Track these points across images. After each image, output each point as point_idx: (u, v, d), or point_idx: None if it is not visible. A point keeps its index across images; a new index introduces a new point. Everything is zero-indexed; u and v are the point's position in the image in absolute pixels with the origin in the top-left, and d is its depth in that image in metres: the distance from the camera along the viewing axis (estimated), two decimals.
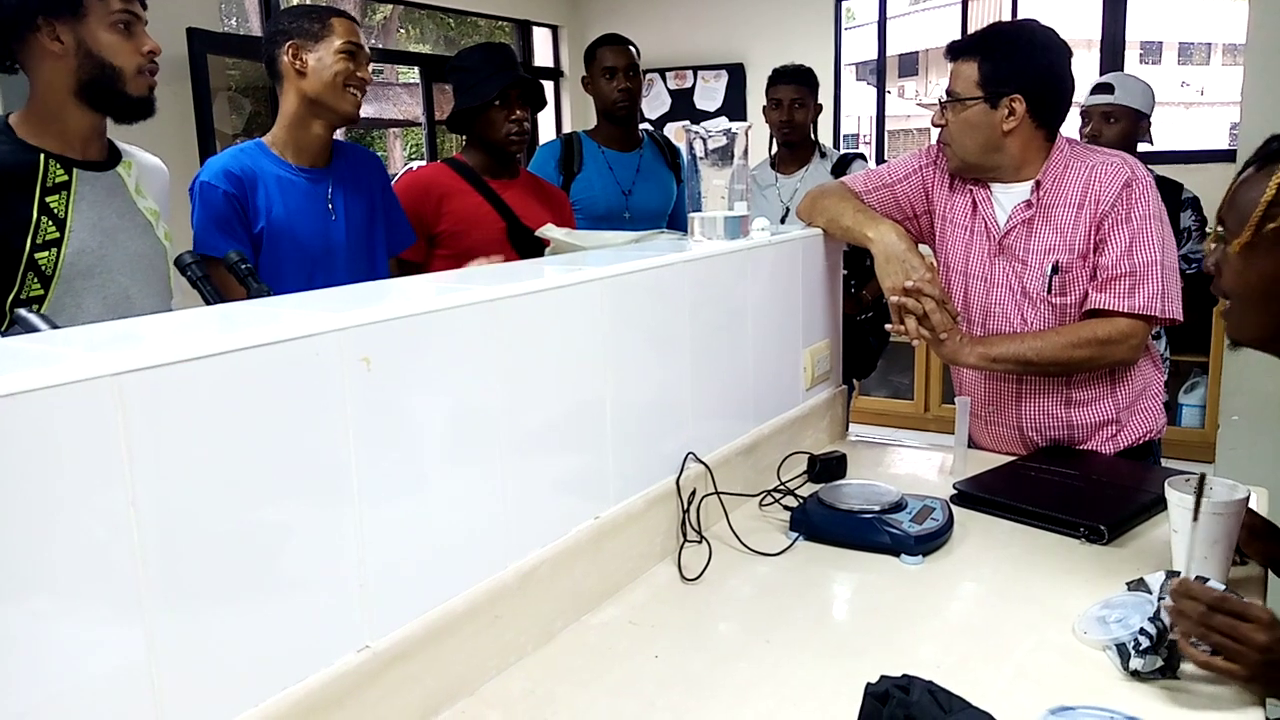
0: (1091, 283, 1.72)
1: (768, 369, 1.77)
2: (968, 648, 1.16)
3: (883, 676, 0.93)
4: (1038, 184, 1.76)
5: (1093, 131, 2.86)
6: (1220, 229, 1.13)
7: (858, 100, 8.84)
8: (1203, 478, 1.16)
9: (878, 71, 5.60)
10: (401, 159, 12.92)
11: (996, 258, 1.81)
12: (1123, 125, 2.83)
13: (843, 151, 3.36)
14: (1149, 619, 1.07)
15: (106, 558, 0.73)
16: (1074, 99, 1.80)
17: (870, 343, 2.99)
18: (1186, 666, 1.06)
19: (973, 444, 1.90)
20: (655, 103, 5.63)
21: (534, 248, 2.14)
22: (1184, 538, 1.17)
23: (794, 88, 3.13)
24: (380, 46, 10.31)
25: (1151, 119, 2.90)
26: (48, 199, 1.45)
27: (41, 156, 1.46)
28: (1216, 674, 1.00)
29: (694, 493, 1.46)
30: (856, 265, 2.81)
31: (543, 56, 5.82)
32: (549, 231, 1.94)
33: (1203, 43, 22.00)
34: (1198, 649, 1.01)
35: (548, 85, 5.61)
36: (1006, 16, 5.32)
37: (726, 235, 1.66)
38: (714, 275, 1.57)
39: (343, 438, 0.92)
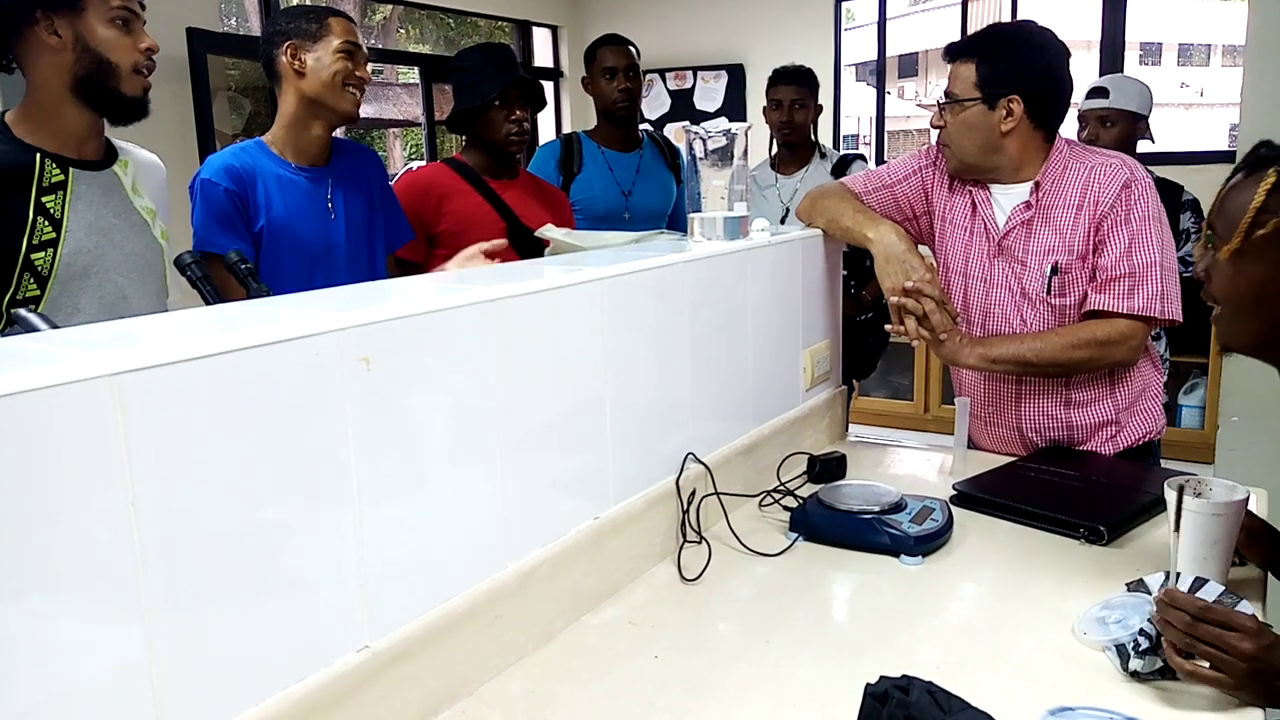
0: (1091, 284, 1.73)
1: (767, 369, 1.77)
2: (967, 648, 1.16)
3: (882, 677, 0.93)
4: (1037, 185, 1.76)
5: (1090, 136, 2.85)
6: (1210, 234, 1.13)
7: (857, 101, 8.85)
8: (1181, 488, 1.16)
9: (877, 72, 5.60)
10: (401, 159, 12.92)
11: (996, 259, 1.81)
12: (1120, 128, 2.82)
13: (843, 152, 3.36)
14: (1148, 620, 1.07)
15: (106, 558, 0.73)
16: (1072, 100, 1.80)
17: (870, 343, 2.99)
18: None
19: (972, 445, 1.90)
20: (655, 103, 5.63)
21: (534, 248, 2.14)
22: (1175, 542, 1.17)
23: (794, 88, 3.13)
24: (380, 46, 10.32)
25: (1150, 119, 2.90)
26: (44, 199, 1.45)
27: (38, 156, 1.46)
28: (1204, 684, 1.00)
29: (694, 493, 1.46)
30: (856, 266, 2.81)
31: (543, 57, 5.82)
32: (549, 232, 1.95)
33: (1202, 44, 22.02)
34: (1186, 659, 1.01)
35: (547, 85, 5.61)
36: (1006, 17, 5.32)
37: (726, 236, 1.66)
38: (714, 276, 1.57)
39: (343, 438, 0.92)
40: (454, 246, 2.24)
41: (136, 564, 0.75)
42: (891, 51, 7.77)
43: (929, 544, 1.41)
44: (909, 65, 21.27)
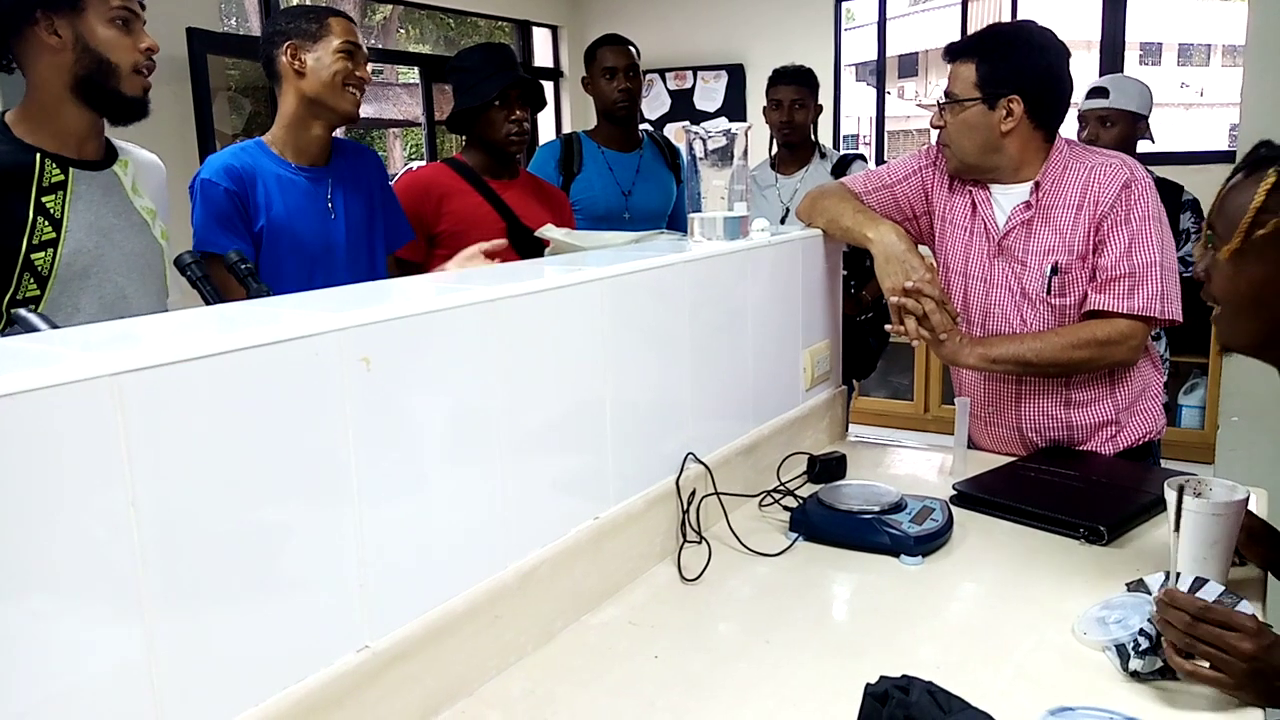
0: (1091, 284, 1.73)
1: (767, 369, 1.77)
2: (967, 648, 1.16)
3: (882, 677, 0.93)
4: (1037, 185, 1.76)
5: (1089, 136, 2.85)
6: (1210, 234, 1.13)
7: (857, 101, 8.85)
8: (1181, 488, 1.16)
9: (877, 72, 5.60)
10: (401, 159, 12.92)
11: (996, 259, 1.81)
12: (1120, 128, 2.82)
13: (843, 152, 3.36)
14: (1148, 620, 1.07)
15: (106, 558, 0.73)
16: (1072, 100, 1.80)
17: (870, 343, 2.99)
18: None
19: (972, 445, 1.90)
20: (655, 103, 5.63)
21: (534, 248, 2.14)
22: (1175, 542, 1.17)
23: (794, 88, 3.13)
24: (380, 46, 10.32)
25: (1150, 118, 2.90)
26: (44, 199, 1.45)
27: (38, 156, 1.46)
28: (1205, 684, 1.00)
29: (694, 493, 1.46)
30: (856, 266, 2.81)
31: (543, 57, 5.82)
32: (549, 232, 1.95)
33: (1202, 44, 22.02)
34: (1186, 659, 1.01)
35: (547, 85, 5.61)
36: (1006, 17, 5.32)
37: (726, 236, 1.66)
38: (714, 276, 1.57)
39: (343, 438, 0.92)
40: (454, 246, 2.24)
41: (136, 564, 0.75)
42: (891, 51, 7.78)
43: (929, 544, 1.41)
44: (909, 65, 21.27)
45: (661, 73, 5.57)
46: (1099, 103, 2.84)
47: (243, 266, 1.62)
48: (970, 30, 4.27)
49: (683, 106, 5.60)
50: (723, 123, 1.72)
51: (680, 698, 1.07)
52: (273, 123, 1.96)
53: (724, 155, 1.67)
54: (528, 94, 2.33)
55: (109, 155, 1.58)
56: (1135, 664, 1.05)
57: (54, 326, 1.16)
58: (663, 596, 1.32)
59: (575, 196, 2.74)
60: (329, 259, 1.94)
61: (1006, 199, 1.80)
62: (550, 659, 1.16)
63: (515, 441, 1.15)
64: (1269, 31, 2.94)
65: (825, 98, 3.60)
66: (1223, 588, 1.11)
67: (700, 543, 1.44)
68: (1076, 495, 1.57)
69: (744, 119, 4.39)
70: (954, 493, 1.61)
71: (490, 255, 1.88)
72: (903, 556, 1.39)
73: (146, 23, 1.53)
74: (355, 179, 2.02)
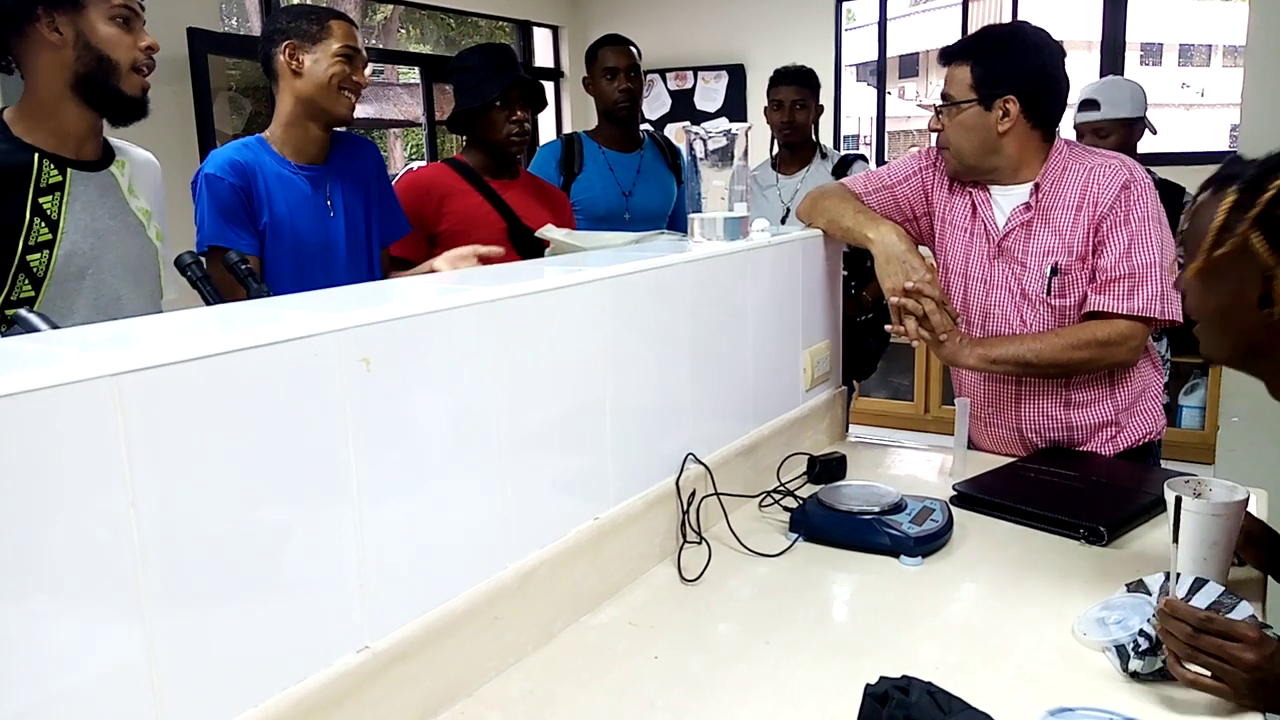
0: (1091, 284, 1.73)
1: (767, 370, 1.77)
2: (967, 649, 1.16)
3: (882, 677, 0.93)
4: (1036, 186, 1.76)
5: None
6: (1179, 252, 1.12)
7: (858, 101, 8.84)
8: (1179, 499, 1.15)
9: (878, 72, 5.60)
10: (402, 159, 12.92)
11: (996, 259, 1.81)
12: (1116, 137, 2.79)
13: (843, 152, 3.36)
14: (1148, 620, 1.07)
15: (106, 558, 0.73)
16: (1068, 103, 1.80)
17: (870, 344, 2.99)
18: None
19: (972, 445, 1.90)
20: (656, 103, 5.63)
21: (534, 248, 2.14)
22: (1175, 543, 1.17)
23: (795, 89, 3.13)
24: (380, 47, 10.31)
25: (1147, 116, 2.89)
26: (41, 200, 1.44)
27: (36, 156, 1.46)
28: (1207, 692, 1.00)
29: (694, 493, 1.46)
30: (857, 266, 2.80)
31: (543, 57, 5.82)
32: (549, 232, 1.95)
33: (1203, 44, 22.01)
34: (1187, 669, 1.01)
35: (548, 86, 5.61)
36: (1007, 17, 5.32)
37: (726, 236, 1.66)
38: (714, 276, 1.57)
39: (342, 438, 0.92)
40: (454, 246, 2.25)
41: (136, 564, 0.75)
42: (892, 52, 7.78)
43: (929, 544, 1.41)
44: (909, 65, 21.26)
45: (662, 73, 5.57)
46: (1092, 115, 2.82)
47: (243, 266, 1.62)
48: (971, 31, 4.27)
49: (683, 107, 5.60)
50: (723, 123, 1.72)
51: (680, 698, 1.07)
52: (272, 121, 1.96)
53: (724, 155, 1.67)
54: (528, 94, 2.33)
55: (106, 155, 1.58)
56: (1135, 664, 1.05)
57: (54, 327, 1.16)
58: (662, 597, 1.32)
59: (576, 197, 2.74)
60: (328, 256, 1.94)
61: (1006, 200, 1.80)
62: (550, 659, 1.16)
63: (515, 442, 1.15)
64: (1269, 32, 2.94)
65: (826, 98, 3.60)
66: (1223, 588, 1.11)
67: (700, 543, 1.44)
68: (1076, 496, 1.57)
69: (744, 119, 4.39)
70: (954, 493, 1.61)
71: (484, 260, 1.88)
72: (903, 557, 1.39)
73: (146, 22, 1.53)
74: (352, 173, 2.02)
